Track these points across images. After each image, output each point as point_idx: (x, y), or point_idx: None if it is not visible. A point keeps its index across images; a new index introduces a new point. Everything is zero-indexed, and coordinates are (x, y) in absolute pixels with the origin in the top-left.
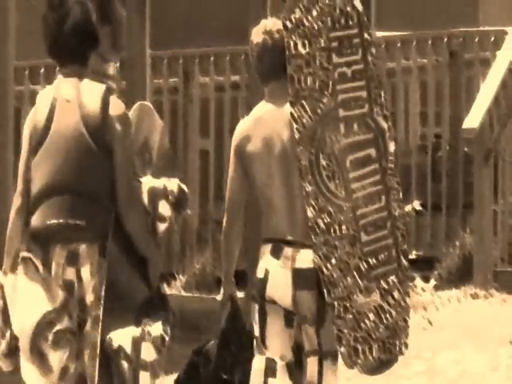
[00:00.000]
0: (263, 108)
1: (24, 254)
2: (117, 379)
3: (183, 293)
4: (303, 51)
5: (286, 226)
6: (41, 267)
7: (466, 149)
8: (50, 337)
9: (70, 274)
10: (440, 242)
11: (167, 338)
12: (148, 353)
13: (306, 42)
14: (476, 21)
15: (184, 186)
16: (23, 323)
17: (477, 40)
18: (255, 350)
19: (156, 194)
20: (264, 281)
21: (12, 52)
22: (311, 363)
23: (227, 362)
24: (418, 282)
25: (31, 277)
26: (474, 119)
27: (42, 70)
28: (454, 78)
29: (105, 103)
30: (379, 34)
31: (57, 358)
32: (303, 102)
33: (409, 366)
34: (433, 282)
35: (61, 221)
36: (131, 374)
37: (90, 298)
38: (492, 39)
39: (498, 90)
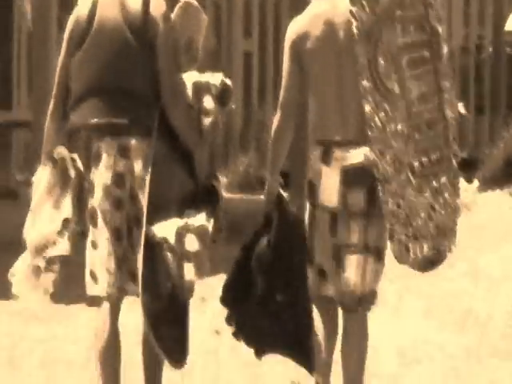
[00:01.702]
0: (319, 5)
1: (59, 153)
2: (162, 270)
3: (226, 194)
4: None
5: (336, 126)
6: (82, 164)
7: (508, 50)
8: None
9: (122, 166)
10: (483, 143)
11: (210, 229)
12: (191, 244)
13: None
14: None
15: (228, 80)
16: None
17: None
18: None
19: (200, 88)
20: (313, 185)
21: None
22: (354, 260)
23: (280, 280)
24: (462, 182)
25: (51, 185)
26: None
27: None
28: None
29: (146, 2)
30: None
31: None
32: (360, 4)
33: (452, 267)
34: (476, 182)
35: (104, 120)
36: (176, 264)
37: (140, 191)
38: None
39: None
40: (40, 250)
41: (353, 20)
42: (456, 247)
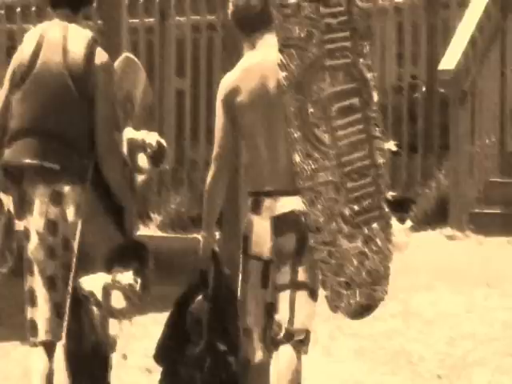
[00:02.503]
0: (249, 59)
1: None
2: (86, 323)
3: (159, 232)
4: (291, 1)
5: (267, 176)
6: (13, 205)
7: (441, 90)
8: None
9: (54, 213)
10: (416, 183)
11: (137, 288)
12: (118, 301)
13: None
14: None
15: (163, 141)
16: None
17: None
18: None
19: (135, 146)
20: (246, 237)
21: None
22: (283, 298)
23: (219, 331)
24: (394, 222)
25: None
26: (449, 61)
27: (34, 9)
28: (430, 19)
29: (90, 51)
30: None
31: None
32: (291, 50)
33: (384, 308)
34: (408, 223)
35: (35, 162)
36: (100, 319)
37: (73, 238)
38: None
39: (474, 32)
40: None
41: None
42: (387, 291)
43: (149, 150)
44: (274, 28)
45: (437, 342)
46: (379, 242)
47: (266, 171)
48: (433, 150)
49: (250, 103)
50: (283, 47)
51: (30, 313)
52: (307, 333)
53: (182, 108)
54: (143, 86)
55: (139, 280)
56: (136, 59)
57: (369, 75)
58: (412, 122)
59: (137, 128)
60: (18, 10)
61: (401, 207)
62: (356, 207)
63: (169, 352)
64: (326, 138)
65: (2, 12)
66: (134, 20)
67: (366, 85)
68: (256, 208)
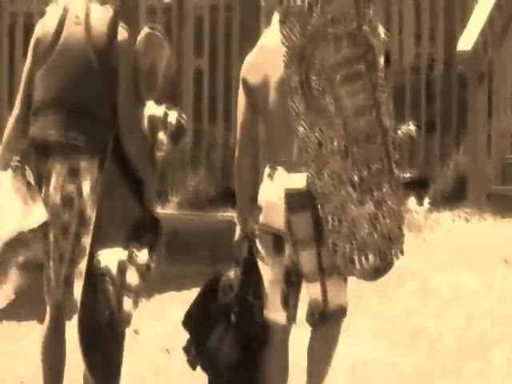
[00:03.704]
0: (265, 37)
1: (17, 163)
2: (101, 297)
3: (176, 211)
4: None
5: (280, 149)
6: (34, 179)
7: (460, 69)
8: (20, 261)
9: (71, 188)
10: (434, 162)
11: (152, 265)
12: (132, 278)
13: None
14: None
15: (183, 119)
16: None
17: None
18: None
19: (155, 123)
20: (259, 207)
21: None
22: (313, 287)
23: (252, 287)
24: (412, 203)
25: (17, 187)
26: (467, 41)
27: None
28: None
29: (113, 27)
30: None
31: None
32: (292, 20)
33: (402, 287)
34: (427, 202)
35: (60, 133)
36: (115, 295)
37: (89, 212)
38: None
39: (492, 11)
40: (11, 247)
41: (282, 45)
42: (403, 254)
43: (168, 128)
44: None
45: (455, 320)
46: (390, 204)
47: (280, 145)
48: (451, 130)
49: (262, 81)
50: (284, 17)
51: (45, 274)
52: (342, 308)
53: (201, 88)
54: (166, 59)
55: (155, 257)
56: (159, 33)
57: (374, 41)
58: (430, 101)
59: (159, 101)
60: None
61: (420, 186)
62: (365, 172)
63: (198, 319)
64: (331, 107)
65: None
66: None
67: (371, 49)
68: (270, 177)
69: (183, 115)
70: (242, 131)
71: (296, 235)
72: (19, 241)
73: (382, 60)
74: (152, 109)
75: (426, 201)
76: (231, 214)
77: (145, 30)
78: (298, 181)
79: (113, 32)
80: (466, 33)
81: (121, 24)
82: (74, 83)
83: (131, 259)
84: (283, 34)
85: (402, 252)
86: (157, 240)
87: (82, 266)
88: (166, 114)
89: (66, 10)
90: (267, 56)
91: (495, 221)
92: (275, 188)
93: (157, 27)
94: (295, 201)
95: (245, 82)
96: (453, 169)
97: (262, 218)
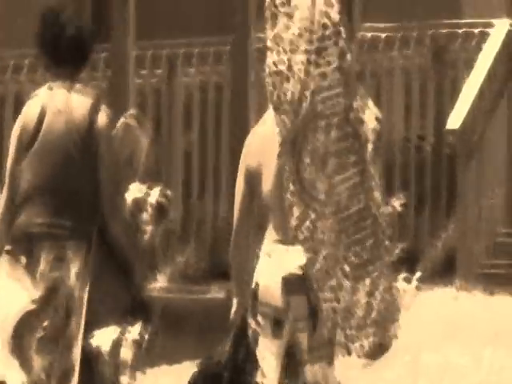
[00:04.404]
0: (264, 120)
1: (8, 247)
2: (97, 377)
3: (167, 284)
4: (282, 67)
5: (278, 230)
6: (24, 263)
7: (448, 144)
8: (34, 344)
9: (58, 271)
10: (423, 238)
11: (144, 343)
12: (127, 354)
13: (285, 59)
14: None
15: (166, 197)
16: (3, 318)
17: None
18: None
19: (138, 205)
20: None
21: None
22: (308, 370)
23: (242, 353)
24: (400, 283)
25: (14, 272)
26: (457, 119)
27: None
28: (438, 78)
29: (93, 115)
30: (365, 25)
31: (40, 361)
32: (283, 115)
33: (391, 367)
34: (415, 279)
35: (46, 221)
36: (111, 375)
37: (77, 295)
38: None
39: (482, 86)
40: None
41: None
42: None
43: (150, 210)
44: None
45: None
46: (382, 291)
47: (279, 227)
48: (440, 206)
49: (262, 166)
50: (275, 110)
51: None
52: None
53: (190, 164)
54: (144, 146)
55: (146, 334)
56: (135, 123)
57: (361, 129)
58: (419, 177)
59: (142, 180)
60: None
61: (408, 262)
62: (356, 261)
63: None
64: (321, 197)
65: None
66: (139, 81)
67: (359, 139)
68: (268, 252)
69: (167, 192)
70: (240, 215)
71: (294, 315)
72: (29, 320)
73: (370, 146)
74: (135, 191)
75: (415, 277)
76: (221, 289)
77: (121, 120)
78: (294, 259)
79: (93, 119)
80: (456, 109)
81: (103, 108)
82: (57, 171)
83: (124, 337)
84: (276, 122)
85: (395, 337)
86: (148, 317)
87: (76, 351)
88: (147, 194)
89: (47, 101)
90: (264, 143)
91: (484, 297)
92: (273, 269)
93: (134, 115)
94: (293, 286)
95: (244, 166)
96: (442, 245)
97: (260, 297)
